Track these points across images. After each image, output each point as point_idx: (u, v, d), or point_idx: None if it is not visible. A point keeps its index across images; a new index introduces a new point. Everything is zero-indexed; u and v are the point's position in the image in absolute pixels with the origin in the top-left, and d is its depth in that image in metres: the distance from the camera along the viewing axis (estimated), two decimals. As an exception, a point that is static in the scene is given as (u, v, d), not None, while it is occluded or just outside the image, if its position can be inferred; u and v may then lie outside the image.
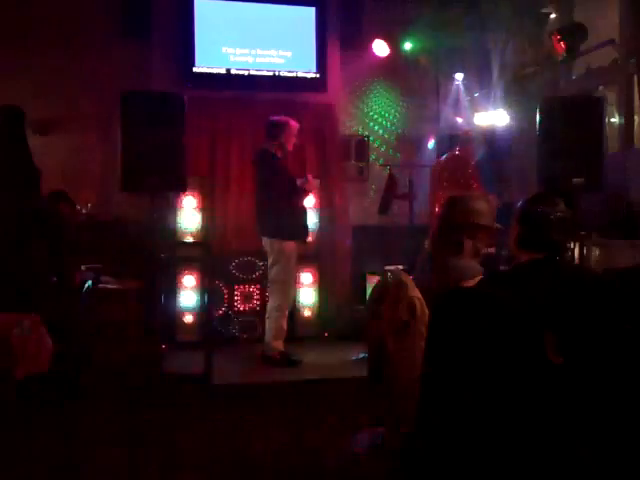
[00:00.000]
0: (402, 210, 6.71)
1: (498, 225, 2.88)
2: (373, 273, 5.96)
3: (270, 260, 5.32)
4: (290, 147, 5.40)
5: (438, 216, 2.98)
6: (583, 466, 1.64)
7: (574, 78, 6.80)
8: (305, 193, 5.43)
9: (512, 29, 7.20)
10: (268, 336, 5.32)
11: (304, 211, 5.45)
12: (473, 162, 6.06)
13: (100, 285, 4.78)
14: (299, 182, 5.38)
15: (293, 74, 6.60)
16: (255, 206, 5.46)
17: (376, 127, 7.46)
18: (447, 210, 2.86)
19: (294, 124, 5.40)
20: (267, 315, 5.35)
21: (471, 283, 2.43)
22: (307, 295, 6.37)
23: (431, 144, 7.36)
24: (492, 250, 3.15)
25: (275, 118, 5.43)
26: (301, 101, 6.57)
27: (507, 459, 1.69)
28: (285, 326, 5.34)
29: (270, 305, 5.34)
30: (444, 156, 6.24)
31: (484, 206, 2.84)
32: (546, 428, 1.66)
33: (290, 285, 5.43)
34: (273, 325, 5.28)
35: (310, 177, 5.46)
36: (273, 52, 6.59)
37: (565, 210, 2.26)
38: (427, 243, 2.95)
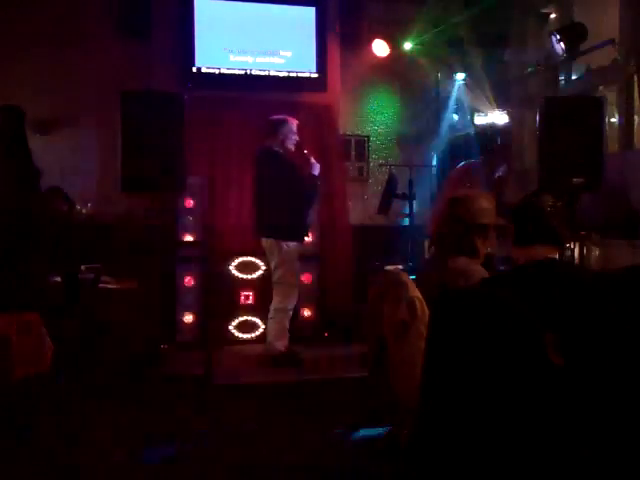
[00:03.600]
0: (402, 210, 6.71)
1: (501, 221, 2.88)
2: (373, 273, 5.96)
3: (274, 261, 5.30)
4: (291, 144, 5.38)
5: (443, 218, 2.94)
6: (585, 467, 1.64)
7: (574, 78, 6.80)
8: (314, 183, 5.40)
9: (512, 29, 7.21)
10: (271, 336, 5.32)
11: (307, 208, 5.45)
12: (494, 174, 6.03)
13: (100, 285, 4.77)
14: (306, 176, 5.36)
15: (293, 74, 6.60)
16: (256, 206, 5.44)
17: (376, 127, 7.46)
18: (454, 211, 2.83)
19: (293, 121, 5.40)
20: (270, 315, 5.34)
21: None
22: (307, 295, 6.36)
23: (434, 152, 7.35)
24: (491, 250, 3.14)
25: (273, 117, 5.45)
26: (301, 101, 6.57)
27: (508, 460, 1.69)
28: (288, 326, 5.35)
29: (274, 306, 5.34)
30: (466, 162, 6.19)
31: (487, 204, 2.84)
32: (547, 429, 1.66)
33: (294, 286, 5.43)
34: (276, 326, 5.28)
35: (312, 159, 5.43)
36: (273, 52, 6.59)
37: (555, 202, 2.30)
38: (428, 244, 2.94)
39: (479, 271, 2.61)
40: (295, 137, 5.39)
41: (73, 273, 3.77)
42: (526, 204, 2.35)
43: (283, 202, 5.20)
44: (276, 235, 5.25)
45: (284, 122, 5.36)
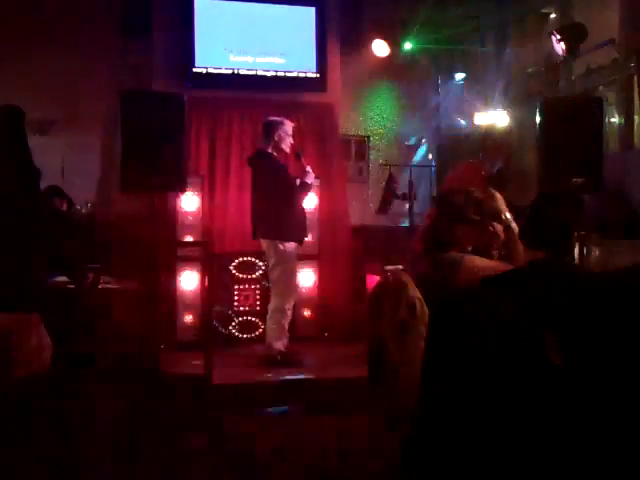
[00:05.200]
0: (402, 210, 6.72)
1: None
2: (373, 273, 5.96)
3: (272, 262, 5.31)
4: (286, 147, 5.36)
5: (431, 215, 2.91)
6: (585, 468, 1.64)
7: (574, 78, 6.80)
8: (306, 190, 5.40)
9: (512, 29, 7.21)
10: (269, 337, 5.32)
11: (303, 210, 5.45)
12: (486, 171, 6.02)
13: (100, 285, 4.77)
14: (298, 180, 5.35)
15: (293, 74, 6.60)
16: (252, 208, 5.44)
17: (376, 127, 7.46)
18: (440, 206, 2.81)
19: (288, 123, 5.38)
20: (269, 316, 5.34)
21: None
22: (307, 295, 6.36)
23: (422, 149, 7.36)
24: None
25: (269, 118, 5.43)
26: (301, 101, 6.57)
27: (508, 461, 1.69)
28: (287, 326, 5.34)
29: (272, 306, 5.34)
30: (464, 161, 6.18)
31: (474, 197, 2.79)
32: (547, 430, 1.66)
33: (292, 286, 5.43)
34: (275, 326, 5.28)
35: (309, 168, 5.42)
36: (273, 52, 6.58)
37: (570, 211, 2.25)
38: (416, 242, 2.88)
39: (471, 258, 2.58)
40: (290, 140, 5.36)
41: (81, 272, 3.76)
42: (548, 210, 2.26)
43: (277, 204, 5.19)
44: (271, 236, 5.25)
45: (279, 124, 5.34)
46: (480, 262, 2.59)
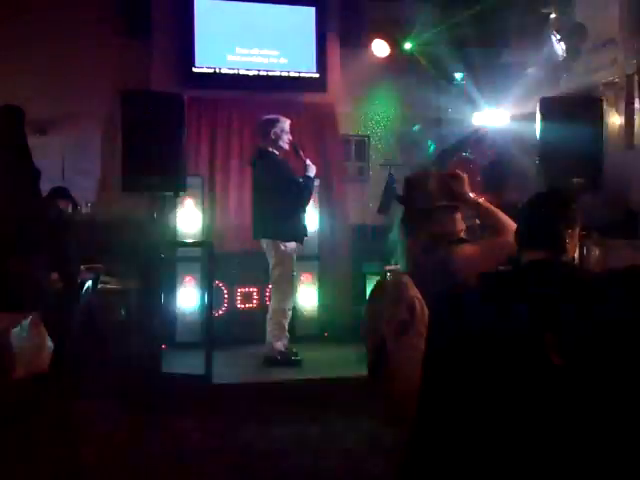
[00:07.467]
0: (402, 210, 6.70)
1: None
2: (373, 273, 5.96)
3: (272, 262, 5.31)
4: (284, 143, 5.35)
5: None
6: (585, 468, 1.64)
7: (574, 78, 6.80)
8: (311, 184, 5.38)
9: (512, 29, 7.21)
10: (270, 337, 5.32)
11: (304, 210, 5.45)
12: (482, 165, 6.03)
13: (100, 285, 4.78)
14: (301, 179, 5.34)
15: (293, 74, 6.60)
16: (253, 208, 5.44)
17: (376, 127, 7.46)
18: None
19: (283, 120, 5.36)
20: (269, 316, 5.35)
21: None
22: (307, 295, 6.36)
23: (431, 147, 7.35)
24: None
25: (264, 117, 5.42)
26: (301, 101, 6.58)
27: (508, 462, 1.69)
28: (287, 326, 5.35)
29: (272, 306, 5.34)
30: (457, 157, 6.19)
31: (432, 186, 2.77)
32: (547, 430, 1.66)
33: (292, 286, 5.43)
34: (275, 326, 5.28)
35: (309, 161, 5.39)
36: (273, 52, 6.59)
37: (557, 208, 2.24)
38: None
39: (461, 248, 2.56)
40: (288, 136, 5.35)
41: (72, 273, 3.76)
42: (535, 209, 2.27)
43: (278, 203, 5.19)
44: (272, 236, 5.25)
45: (275, 122, 5.33)
46: (470, 249, 2.57)
